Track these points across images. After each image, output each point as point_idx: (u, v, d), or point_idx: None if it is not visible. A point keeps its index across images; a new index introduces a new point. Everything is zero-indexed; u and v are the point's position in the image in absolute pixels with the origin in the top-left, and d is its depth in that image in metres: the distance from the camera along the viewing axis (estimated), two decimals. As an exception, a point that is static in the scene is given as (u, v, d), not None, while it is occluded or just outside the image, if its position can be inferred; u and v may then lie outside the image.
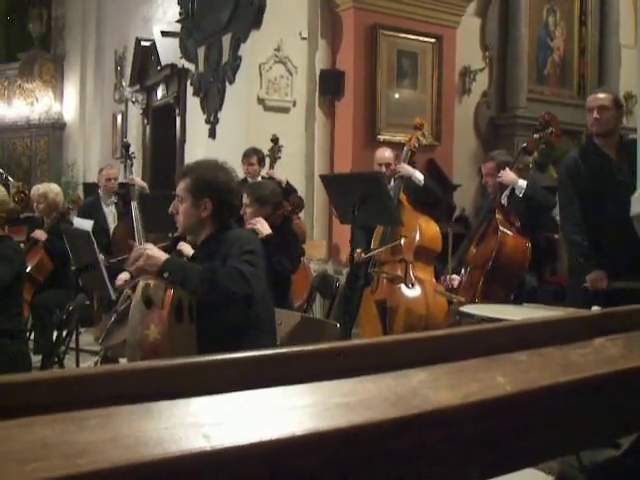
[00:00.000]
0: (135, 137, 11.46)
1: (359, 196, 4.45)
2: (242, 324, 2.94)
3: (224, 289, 2.77)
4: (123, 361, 4.03)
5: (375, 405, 1.53)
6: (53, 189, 6.12)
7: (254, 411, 1.46)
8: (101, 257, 4.95)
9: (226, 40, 8.33)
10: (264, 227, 4.22)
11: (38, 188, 6.18)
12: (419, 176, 5.56)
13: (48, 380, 1.39)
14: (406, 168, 5.52)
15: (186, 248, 3.23)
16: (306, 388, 1.55)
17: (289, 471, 1.46)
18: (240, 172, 5.88)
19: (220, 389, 1.48)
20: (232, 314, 2.91)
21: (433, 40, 8.26)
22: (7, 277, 3.52)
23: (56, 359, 4.92)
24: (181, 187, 3.11)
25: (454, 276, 5.00)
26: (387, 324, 5.08)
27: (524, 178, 5.06)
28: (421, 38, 8.20)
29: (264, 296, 3.02)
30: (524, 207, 5.04)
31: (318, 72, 8.02)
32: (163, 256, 2.85)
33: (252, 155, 6.51)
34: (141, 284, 2.95)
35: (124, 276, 3.19)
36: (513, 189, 5.09)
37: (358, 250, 5.21)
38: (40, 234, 5.77)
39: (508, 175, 5.02)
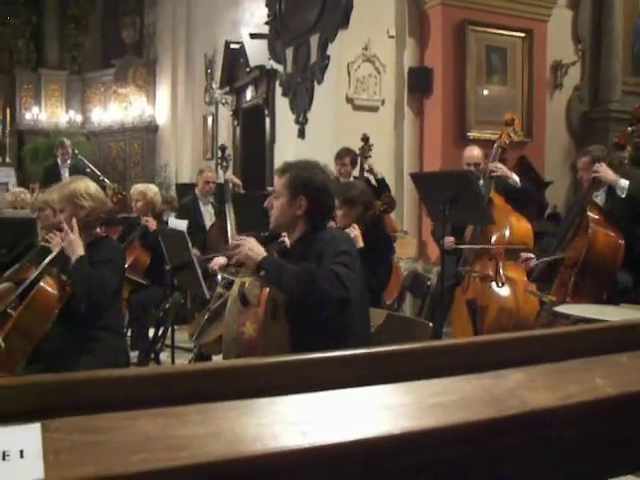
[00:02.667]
0: (225, 138, 11.67)
1: (450, 194, 4.42)
2: (336, 325, 2.95)
3: (320, 291, 2.79)
4: (216, 358, 4.12)
5: (470, 405, 1.53)
6: (152, 189, 6.32)
7: (350, 409, 1.48)
8: (196, 252, 5.03)
9: (314, 40, 8.38)
10: (358, 240, 4.20)
11: (137, 187, 6.39)
12: (515, 178, 5.49)
13: (151, 376, 1.45)
14: (503, 169, 5.44)
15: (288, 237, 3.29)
16: (401, 387, 1.56)
17: (383, 469, 1.48)
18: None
19: (317, 387, 1.51)
20: (325, 316, 2.93)
21: (523, 34, 8.11)
22: (115, 282, 3.64)
23: (152, 356, 5.06)
24: (279, 182, 3.16)
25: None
26: (477, 323, 5.03)
27: (620, 175, 4.89)
28: (511, 33, 8.07)
29: (359, 297, 3.03)
30: (626, 208, 4.83)
31: (406, 70, 7.98)
32: (262, 253, 2.89)
33: (345, 156, 6.53)
34: (237, 282, 3.01)
35: (220, 260, 3.25)
36: (611, 188, 4.92)
37: (451, 238, 5.18)
38: (152, 222, 5.92)
39: (607, 173, 4.83)
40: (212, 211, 7.17)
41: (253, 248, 2.92)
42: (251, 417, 1.39)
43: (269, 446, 1.32)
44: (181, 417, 1.33)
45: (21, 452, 1.30)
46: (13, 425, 1.30)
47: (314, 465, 1.41)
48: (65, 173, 9.46)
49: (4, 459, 1.28)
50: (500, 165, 5.44)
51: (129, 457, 1.24)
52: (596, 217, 4.77)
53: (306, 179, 3.10)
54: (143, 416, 1.30)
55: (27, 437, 1.32)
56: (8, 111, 15.63)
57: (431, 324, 3.31)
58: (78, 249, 3.53)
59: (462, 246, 5.24)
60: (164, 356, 5.60)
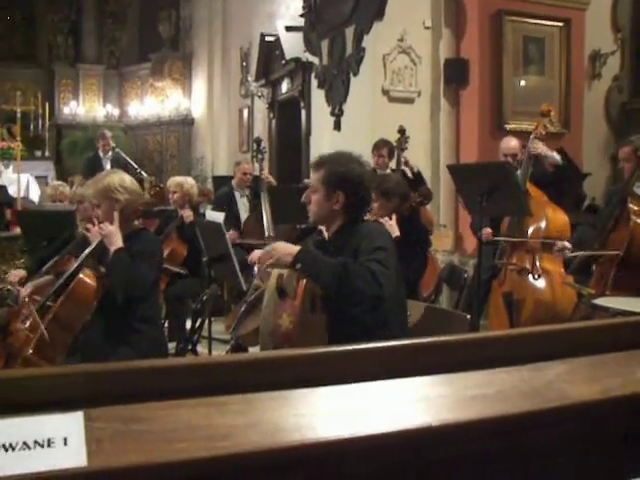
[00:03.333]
0: (261, 131, 11.70)
1: (487, 186, 4.39)
2: (372, 319, 2.94)
3: (354, 287, 2.78)
4: (253, 350, 4.14)
5: (510, 397, 1.53)
6: (189, 181, 6.38)
7: (389, 401, 1.49)
8: (232, 232, 5.00)
9: (349, 32, 8.36)
10: (393, 229, 4.20)
11: (174, 179, 6.46)
12: (556, 156, 5.43)
13: (193, 366, 1.47)
14: (543, 147, 5.39)
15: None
16: (439, 379, 1.56)
17: (421, 461, 1.48)
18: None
19: (356, 378, 1.51)
20: (361, 309, 2.93)
21: (561, 24, 8.00)
22: (152, 274, 3.67)
23: (190, 347, 5.10)
24: (315, 177, 3.15)
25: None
26: (514, 316, 5.00)
27: None
28: (548, 22, 7.96)
29: (395, 292, 3.02)
30: None
31: (442, 61, 7.93)
32: (294, 249, 2.89)
33: (383, 147, 6.52)
34: (275, 274, 3.02)
35: (258, 253, 3.27)
36: None
37: (488, 229, 5.15)
38: (188, 214, 5.98)
39: None
40: (248, 203, 7.20)
41: (282, 250, 2.92)
42: (290, 408, 1.40)
43: (308, 436, 1.33)
44: (222, 407, 1.34)
45: (65, 440, 1.32)
46: (57, 413, 1.33)
47: (353, 456, 1.41)
48: (107, 165, 9.52)
49: (49, 446, 1.31)
50: (539, 143, 5.38)
51: (171, 446, 1.25)
52: (637, 208, 4.69)
53: (342, 173, 3.09)
54: (184, 405, 1.32)
55: (70, 425, 1.34)
56: (47, 106, 15.82)
57: (469, 316, 3.29)
58: (117, 241, 3.57)
59: (500, 238, 5.21)
60: (201, 347, 5.65)
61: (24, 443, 1.31)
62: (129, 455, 1.23)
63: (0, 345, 3.89)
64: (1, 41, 16.13)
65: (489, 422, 1.45)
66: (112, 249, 3.56)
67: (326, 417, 1.42)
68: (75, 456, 1.27)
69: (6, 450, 1.30)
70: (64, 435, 1.32)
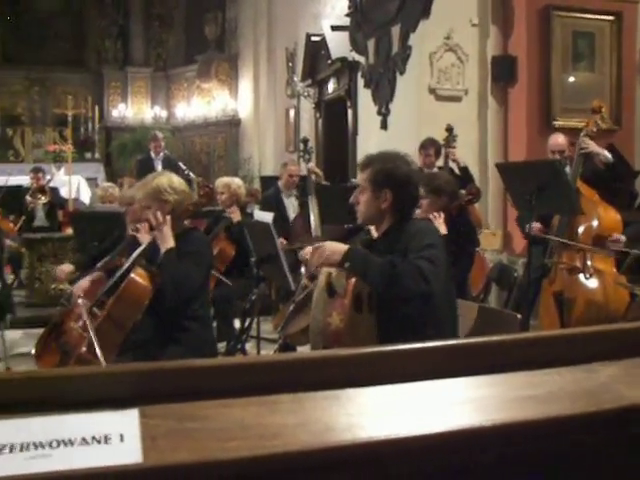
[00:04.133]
0: (308, 131, 11.73)
1: (536, 184, 4.35)
2: (422, 318, 2.94)
3: (402, 286, 2.78)
4: (301, 349, 4.16)
5: (562, 399, 1.51)
6: (236, 181, 6.44)
7: (440, 401, 1.48)
8: (282, 240, 5.05)
9: (395, 31, 8.34)
10: (441, 227, 4.19)
11: (221, 180, 6.52)
12: (607, 154, 5.36)
13: (245, 365, 1.48)
14: (593, 145, 5.31)
15: (373, 229, 3.30)
16: (491, 379, 1.55)
17: (472, 461, 1.47)
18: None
19: (406, 378, 1.51)
20: (411, 308, 2.92)
21: (611, 18, 7.86)
22: (201, 274, 3.71)
23: (239, 346, 5.15)
24: (362, 177, 3.16)
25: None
26: (565, 316, 4.94)
27: None
28: (598, 17, 7.83)
29: (445, 291, 3.01)
30: None
31: (490, 59, 7.86)
32: (343, 248, 2.90)
33: (430, 146, 6.49)
34: (324, 273, 3.03)
35: (309, 250, 3.28)
36: None
37: (538, 224, 5.09)
38: (236, 213, 6.02)
39: None
40: (295, 203, 7.22)
41: (332, 249, 2.93)
42: (340, 407, 1.40)
43: (358, 436, 1.34)
44: (273, 406, 1.35)
45: (121, 436, 1.35)
46: (113, 410, 1.35)
47: (403, 456, 1.41)
48: (158, 166, 9.64)
49: (106, 442, 1.33)
50: (590, 141, 5.30)
51: (224, 444, 1.27)
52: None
53: (389, 172, 3.09)
54: (237, 404, 1.33)
55: (126, 422, 1.37)
56: (97, 109, 16.08)
57: (519, 316, 3.27)
58: (168, 241, 3.62)
59: (550, 237, 5.14)
60: (249, 347, 5.69)
61: (82, 439, 1.34)
62: (183, 453, 1.25)
63: (55, 343, 3.97)
64: (52, 47, 16.44)
65: (540, 423, 1.43)
66: (163, 250, 3.61)
67: (376, 417, 1.42)
68: (131, 452, 1.30)
69: (65, 445, 1.33)
70: (120, 432, 1.34)
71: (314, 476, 1.30)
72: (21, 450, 1.34)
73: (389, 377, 1.50)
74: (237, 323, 6.15)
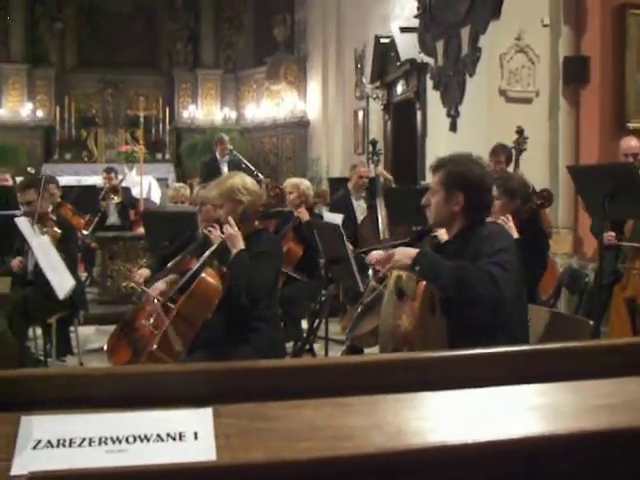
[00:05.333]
0: (376, 132, 11.71)
1: (610, 188, 4.25)
2: (492, 323, 2.91)
3: (473, 291, 2.76)
4: (368, 351, 4.16)
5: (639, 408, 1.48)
6: (305, 182, 6.50)
7: (512, 407, 1.47)
8: (349, 247, 5.08)
9: (465, 32, 8.26)
10: (512, 231, 4.13)
11: (290, 180, 6.60)
12: None
13: (317, 366, 1.50)
14: None
15: (441, 232, 3.28)
16: (565, 386, 1.54)
17: (545, 469, 1.45)
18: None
19: (478, 383, 1.51)
20: (482, 313, 2.90)
21: (690, 16, 7.65)
22: (272, 274, 3.74)
23: (307, 347, 5.17)
24: (434, 180, 3.14)
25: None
26: (637, 323, 4.83)
27: None
28: (676, 15, 7.63)
29: (516, 296, 2.97)
30: None
31: (561, 59, 7.72)
32: (413, 251, 2.89)
33: (501, 152, 6.40)
34: (394, 275, 3.03)
35: (377, 254, 3.27)
36: None
37: (611, 233, 4.99)
38: (304, 213, 6.07)
39: None
40: (364, 206, 7.23)
41: (402, 254, 2.92)
42: (412, 410, 1.41)
43: (430, 440, 1.34)
44: (345, 407, 1.36)
45: (195, 434, 1.38)
46: (188, 408, 1.38)
47: (475, 461, 1.41)
48: (224, 168, 9.76)
49: (180, 439, 1.37)
50: None
51: (296, 444, 1.29)
52: None
53: (461, 175, 3.07)
54: (309, 405, 1.35)
55: (200, 420, 1.40)
56: (167, 110, 16.37)
57: (592, 322, 3.20)
58: (238, 242, 3.66)
59: (623, 244, 5.03)
60: (316, 348, 5.72)
61: (158, 435, 1.37)
62: (255, 452, 1.27)
63: (126, 340, 4.07)
64: (126, 50, 16.80)
65: (616, 432, 1.41)
66: (234, 250, 3.65)
67: (447, 422, 1.42)
68: (205, 450, 1.33)
69: (141, 441, 1.37)
70: (195, 430, 1.37)
71: (385, 478, 1.31)
72: (99, 444, 1.38)
73: (460, 381, 1.50)
74: (303, 323, 6.20)
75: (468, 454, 1.38)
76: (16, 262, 5.30)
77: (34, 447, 1.36)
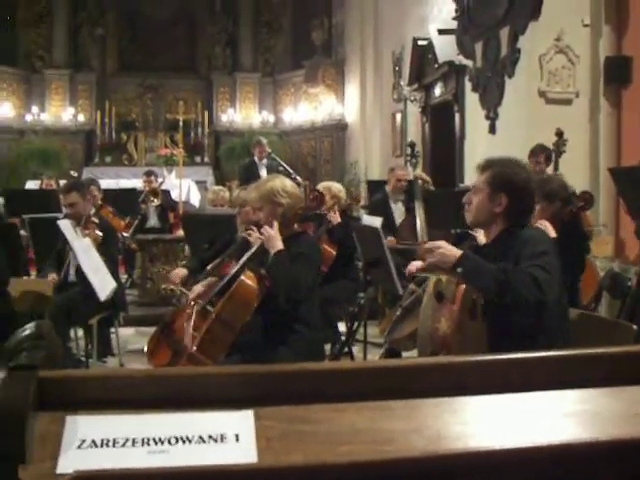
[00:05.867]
0: (414, 135, 11.67)
1: (654, 190, 4.20)
2: (533, 327, 2.88)
3: (515, 294, 2.74)
4: (406, 354, 4.15)
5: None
6: (336, 185, 6.48)
7: (554, 412, 1.46)
8: (391, 239, 5.04)
9: (504, 33, 8.21)
10: (550, 230, 4.10)
11: (323, 184, 6.59)
12: None
13: (358, 370, 1.50)
14: None
15: (480, 235, 3.26)
16: (608, 392, 1.52)
17: (585, 476, 1.44)
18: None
19: (518, 388, 1.50)
20: (523, 316, 2.88)
21: None
22: (311, 277, 3.74)
23: (346, 350, 5.16)
24: (480, 179, 3.14)
25: None
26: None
27: None
28: None
29: (557, 300, 2.95)
30: None
31: (602, 60, 7.63)
32: (457, 252, 2.88)
33: (540, 153, 6.36)
34: (433, 279, 3.02)
35: (417, 264, 3.27)
36: None
37: None
38: (335, 216, 6.07)
39: None
40: (402, 208, 7.21)
41: (447, 250, 2.91)
42: (453, 415, 1.40)
43: (471, 445, 1.33)
44: (386, 411, 1.37)
45: (237, 436, 1.39)
46: (229, 411, 1.40)
47: (514, 467, 1.40)
48: (262, 171, 9.81)
49: (222, 441, 1.38)
50: None
51: (337, 447, 1.29)
52: None
53: (508, 177, 3.07)
54: (349, 409, 1.35)
55: (242, 423, 1.41)
56: (206, 114, 16.50)
57: (635, 327, 3.16)
58: (277, 244, 3.68)
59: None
60: (354, 350, 5.72)
61: (199, 437, 1.39)
62: (296, 455, 1.28)
63: (166, 342, 4.11)
64: (165, 54, 16.97)
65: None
66: (273, 252, 3.67)
67: (488, 427, 1.41)
68: (246, 452, 1.34)
69: (183, 442, 1.38)
70: (236, 432, 1.39)
71: (425, 483, 1.31)
72: (142, 445, 1.40)
73: (500, 386, 1.49)
74: (341, 326, 6.20)
75: (508, 459, 1.37)
76: (51, 278, 5.38)
77: (79, 446, 1.39)
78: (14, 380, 1.36)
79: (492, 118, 8.50)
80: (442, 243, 2.94)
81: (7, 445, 1.24)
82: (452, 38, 9.66)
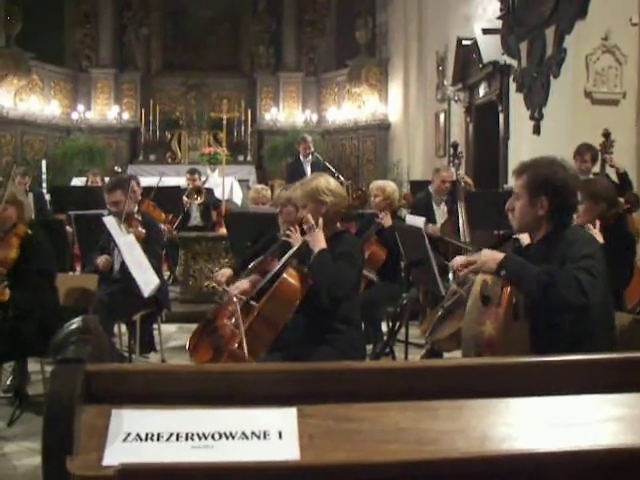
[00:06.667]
0: (458, 135, 11.60)
1: None
2: (577, 330, 2.85)
3: (559, 296, 2.71)
4: (447, 355, 4.13)
5: None
6: (391, 185, 6.43)
7: (599, 416, 1.44)
8: (434, 226, 4.99)
9: (549, 33, 8.11)
10: (597, 237, 4.04)
11: (376, 183, 6.55)
12: None
13: (402, 370, 1.50)
14: None
15: (524, 237, 3.23)
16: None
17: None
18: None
19: (562, 391, 1.48)
20: (567, 319, 2.84)
21: None
22: (353, 275, 3.74)
23: (387, 350, 5.14)
24: (517, 184, 3.10)
25: None
26: None
27: None
28: None
29: (602, 303, 2.91)
30: None
31: (651, 59, 7.52)
32: (499, 256, 2.86)
33: (586, 152, 6.29)
34: (478, 280, 3.00)
35: (460, 259, 3.24)
36: None
37: None
38: (387, 219, 6.05)
39: None
40: (445, 209, 7.16)
41: (489, 257, 2.89)
42: (498, 416, 1.39)
43: (516, 447, 1.32)
44: (431, 411, 1.36)
45: (279, 433, 1.40)
46: (273, 407, 1.40)
47: (559, 470, 1.38)
48: (307, 168, 9.83)
49: (265, 438, 1.39)
50: None
51: (381, 446, 1.29)
52: None
53: (545, 179, 3.01)
54: (394, 408, 1.35)
55: (285, 420, 1.42)
56: (249, 113, 16.58)
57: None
58: (321, 242, 3.68)
59: None
60: (395, 351, 5.70)
61: (243, 433, 1.40)
62: (339, 452, 1.28)
63: (208, 339, 4.13)
64: (209, 53, 17.12)
65: None
66: (316, 250, 3.67)
67: (533, 428, 1.40)
68: (288, 449, 1.34)
69: (227, 438, 1.39)
70: (279, 429, 1.39)
71: (469, 484, 1.30)
72: (186, 439, 1.41)
73: (544, 388, 1.48)
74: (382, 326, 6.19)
75: (552, 462, 1.36)
76: (102, 259, 5.43)
77: (124, 439, 1.40)
78: (62, 373, 1.38)
79: (537, 119, 8.40)
80: (484, 251, 2.93)
81: (55, 436, 1.26)
82: (497, 38, 9.58)
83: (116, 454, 1.37)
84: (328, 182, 3.89)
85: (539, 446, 1.32)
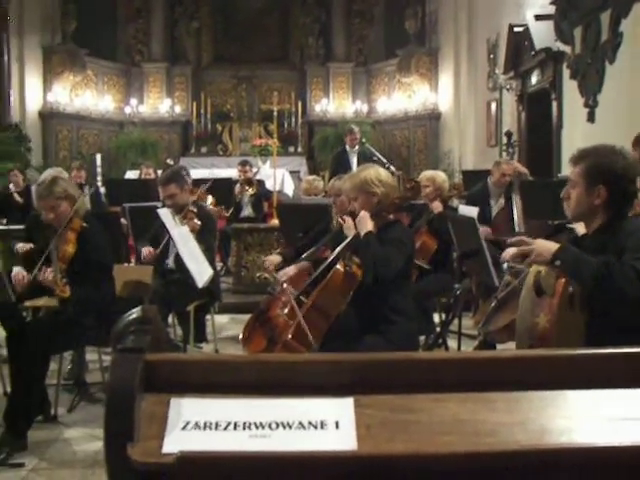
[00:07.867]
0: (510, 124, 11.45)
1: None
2: (635, 322, 2.79)
3: (617, 288, 2.65)
4: (500, 347, 4.09)
5: None
6: (440, 175, 6.42)
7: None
8: (486, 229, 4.93)
9: (605, 17, 7.94)
10: None
11: (426, 173, 6.53)
12: None
13: (458, 360, 1.49)
14: None
15: (579, 227, 3.16)
16: None
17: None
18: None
19: (622, 384, 1.45)
20: (624, 311, 2.77)
21: None
22: (401, 260, 3.73)
23: (440, 341, 5.12)
24: (575, 172, 3.02)
25: None
26: None
27: None
28: None
29: None
30: None
31: None
32: (554, 246, 2.81)
33: None
34: (532, 271, 2.96)
35: (512, 251, 3.20)
36: None
37: None
38: (438, 207, 6.03)
39: None
40: (502, 201, 7.06)
41: (543, 247, 2.84)
42: (556, 409, 1.37)
43: (576, 441, 1.30)
44: (488, 403, 1.35)
45: (336, 423, 1.40)
46: (330, 397, 1.41)
47: (619, 463, 1.36)
48: (353, 158, 9.83)
49: (322, 428, 1.39)
50: None
51: (438, 438, 1.28)
52: None
53: (604, 166, 2.93)
54: (451, 399, 1.34)
55: (342, 410, 1.42)
56: (300, 104, 16.60)
57: None
58: (368, 225, 3.69)
59: None
60: (449, 342, 5.67)
61: (300, 423, 1.41)
62: (396, 443, 1.28)
63: (261, 330, 4.15)
64: (259, 45, 17.19)
65: None
66: (362, 232, 3.68)
67: (592, 421, 1.38)
68: (345, 439, 1.35)
69: (284, 428, 1.40)
70: (336, 419, 1.40)
71: (527, 477, 1.28)
72: (243, 429, 1.43)
73: (603, 381, 1.45)
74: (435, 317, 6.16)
75: (614, 457, 1.34)
76: (145, 250, 5.50)
77: (183, 428, 1.42)
78: (123, 362, 1.40)
79: (591, 106, 8.25)
80: (538, 241, 2.88)
81: (117, 424, 1.29)
82: (549, 24, 9.42)
83: (175, 442, 1.39)
84: (378, 173, 3.88)
85: (599, 440, 1.30)
